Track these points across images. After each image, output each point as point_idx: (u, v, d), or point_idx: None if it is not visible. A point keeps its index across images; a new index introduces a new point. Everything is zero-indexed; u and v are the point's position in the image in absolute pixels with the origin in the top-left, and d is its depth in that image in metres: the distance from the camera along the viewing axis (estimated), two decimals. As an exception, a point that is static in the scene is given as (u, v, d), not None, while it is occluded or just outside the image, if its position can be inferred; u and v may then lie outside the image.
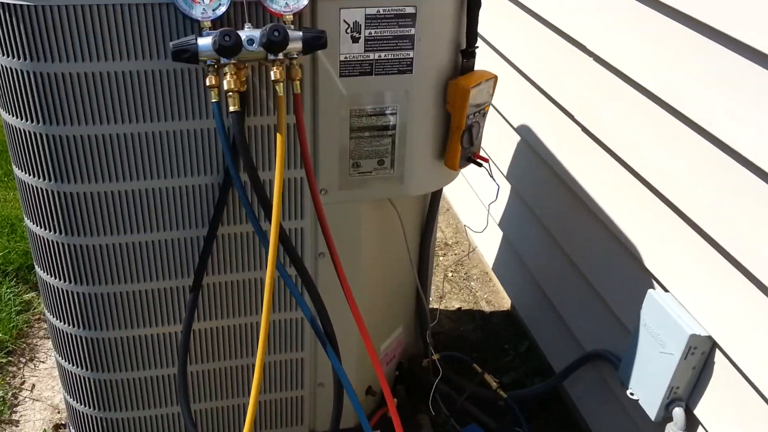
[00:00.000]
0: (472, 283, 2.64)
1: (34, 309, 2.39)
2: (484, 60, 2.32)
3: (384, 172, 1.43)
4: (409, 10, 1.28)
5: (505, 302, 2.51)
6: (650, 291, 1.56)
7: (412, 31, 1.31)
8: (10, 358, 2.20)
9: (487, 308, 2.52)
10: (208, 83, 1.20)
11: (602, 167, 1.78)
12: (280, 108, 1.23)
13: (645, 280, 1.63)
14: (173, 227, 1.39)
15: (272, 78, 1.20)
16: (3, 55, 1.22)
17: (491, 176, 1.55)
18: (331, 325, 1.35)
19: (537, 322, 2.25)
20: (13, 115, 1.28)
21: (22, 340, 2.28)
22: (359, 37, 1.29)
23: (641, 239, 1.65)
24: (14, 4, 1.16)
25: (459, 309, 2.51)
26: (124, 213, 1.36)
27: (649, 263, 1.62)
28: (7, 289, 2.41)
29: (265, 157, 1.36)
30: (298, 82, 1.23)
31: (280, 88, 1.21)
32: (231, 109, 1.20)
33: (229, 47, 1.15)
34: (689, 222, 1.48)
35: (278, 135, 1.22)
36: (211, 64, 1.19)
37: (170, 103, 1.27)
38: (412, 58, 1.33)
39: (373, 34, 1.29)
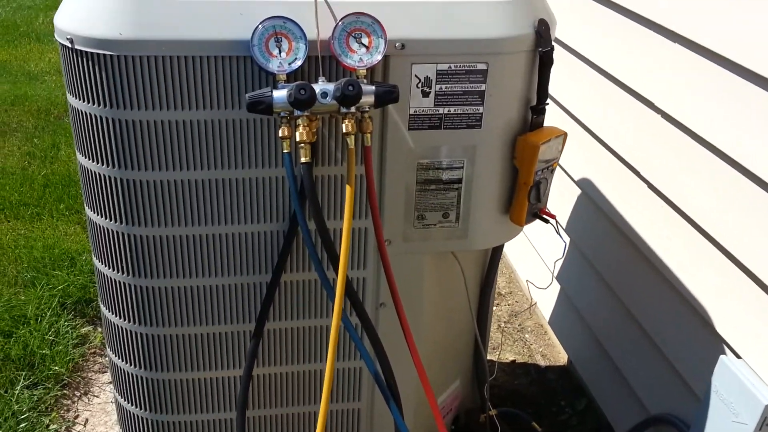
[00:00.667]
0: (527, 336, 2.59)
1: (90, 343, 2.43)
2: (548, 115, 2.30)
3: (448, 225, 1.42)
4: (481, 66, 1.29)
5: (561, 357, 2.45)
6: (722, 357, 1.50)
7: (483, 87, 1.31)
8: (65, 392, 2.24)
9: (542, 362, 2.46)
10: (280, 134, 1.21)
11: (668, 225, 1.74)
12: (351, 160, 1.23)
13: (716, 344, 1.57)
14: (238, 272, 1.40)
15: (344, 130, 1.21)
16: (84, 101, 1.26)
17: (558, 233, 1.52)
18: (393, 376, 1.34)
19: (596, 380, 2.18)
20: (89, 159, 1.31)
21: (78, 373, 2.31)
22: (429, 92, 1.30)
23: (712, 302, 1.59)
24: (99, 54, 1.20)
25: (513, 362, 2.46)
26: (191, 257, 1.37)
27: (721, 328, 1.56)
28: (65, 322, 2.46)
29: (332, 206, 1.37)
30: (369, 135, 1.24)
31: (351, 141, 1.22)
32: (302, 160, 1.21)
33: (303, 100, 1.17)
34: (766, 288, 1.42)
35: (348, 186, 1.23)
36: (285, 116, 1.21)
37: (242, 151, 1.29)
38: (481, 114, 1.33)
39: (443, 89, 1.30)
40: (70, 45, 1.23)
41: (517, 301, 2.77)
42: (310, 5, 1.22)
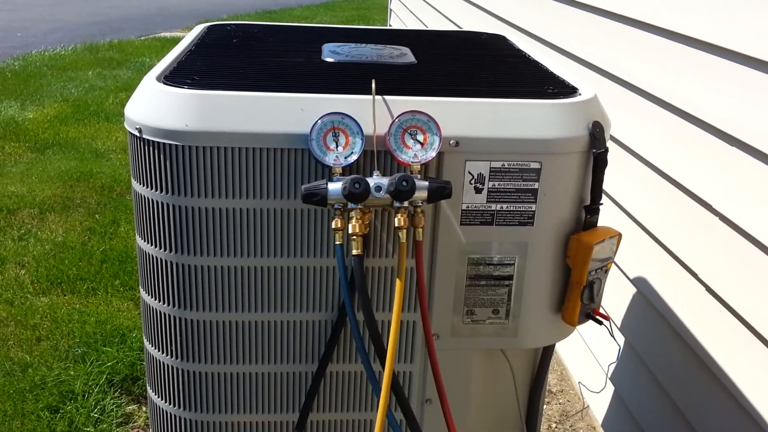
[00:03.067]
0: (578, 438, 2.48)
1: (134, 422, 2.43)
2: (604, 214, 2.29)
3: (498, 321, 1.40)
4: (534, 165, 1.29)
5: (613, 463, 2.33)
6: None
7: (536, 185, 1.31)
8: (106, 472, 2.22)
9: (593, 468, 2.34)
10: (334, 226, 1.23)
11: (731, 334, 1.67)
12: (402, 254, 1.24)
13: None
14: (284, 361, 1.40)
15: (396, 224, 1.22)
16: (148, 187, 1.31)
17: (612, 335, 1.48)
18: (435, 479, 1.29)
19: (650, 491, 2.06)
20: (148, 243, 1.35)
21: (120, 453, 2.30)
22: (482, 188, 1.31)
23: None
24: (165, 143, 1.25)
25: (563, 465, 2.35)
26: (240, 343, 1.38)
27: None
28: (111, 399, 2.47)
29: (381, 298, 1.36)
30: (420, 230, 1.25)
31: (402, 235, 1.23)
32: (354, 252, 1.22)
33: (357, 194, 1.19)
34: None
35: (398, 280, 1.23)
36: (339, 208, 1.23)
37: (295, 240, 1.31)
38: (534, 211, 1.33)
39: (496, 186, 1.31)
40: (138, 134, 1.29)
41: (568, 401, 2.68)
42: (368, 103, 1.26)
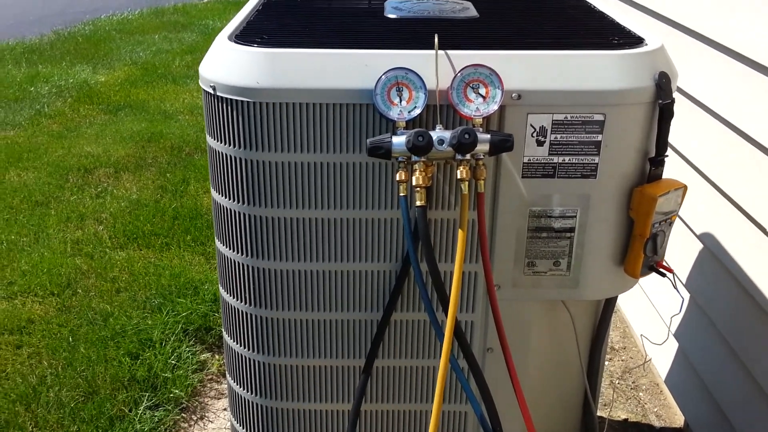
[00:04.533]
0: (641, 394, 2.49)
1: (208, 369, 2.56)
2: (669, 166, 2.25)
3: (559, 273, 1.42)
4: (598, 117, 1.30)
5: (677, 418, 2.34)
6: None
7: (599, 137, 1.32)
8: (183, 415, 2.36)
9: (656, 423, 2.35)
10: (398, 178, 1.27)
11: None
12: (464, 205, 1.27)
13: None
14: (351, 308, 1.46)
15: (458, 176, 1.25)
16: (222, 142, 1.37)
17: (675, 288, 1.49)
18: (499, 422, 1.34)
19: (712, 445, 2.07)
20: (223, 195, 1.42)
21: (196, 398, 2.44)
22: (544, 141, 1.32)
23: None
24: (238, 100, 1.31)
25: (626, 420, 2.37)
26: (309, 291, 1.45)
27: None
28: (186, 347, 2.60)
29: (443, 249, 1.41)
30: (482, 182, 1.28)
31: (464, 187, 1.26)
32: (417, 203, 1.26)
33: (421, 147, 1.22)
34: None
35: (460, 231, 1.26)
36: (403, 161, 1.27)
37: (360, 192, 1.36)
38: (596, 164, 1.33)
39: (558, 139, 1.32)
40: (212, 92, 1.35)
41: (631, 357, 2.68)
42: (431, 58, 1.28)
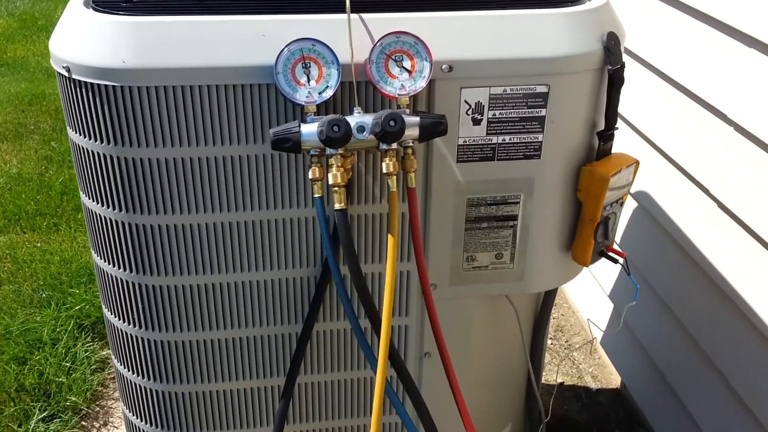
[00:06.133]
0: (575, 354, 2.41)
1: (110, 368, 2.29)
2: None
3: (502, 266, 1.24)
4: (541, 89, 1.10)
5: (613, 378, 2.27)
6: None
7: (543, 112, 1.12)
8: (83, 423, 2.11)
9: (593, 384, 2.28)
10: (311, 176, 1.04)
11: (735, 243, 1.54)
12: (393, 205, 1.06)
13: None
14: (264, 323, 1.24)
15: (384, 170, 1.04)
16: (86, 137, 1.10)
17: (629, 274, 1.34)
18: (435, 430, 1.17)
19: (653, 407, 2.00)
20: (93, 201, 1.16)
21: (97, 402, 2.18)
22: (481, 119, 1.12)
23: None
24: (100, 84, 1.04)
25: (561, 384, 2.28)
26: (212, 308, 1.21)
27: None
28: (82, 345, 2.32)
29: (368, 248, 1.20)
30: (413, 175, 1.07)
31: (392, 183, 1.05)
32: (336, 206, 1.04)
33: (336, 139, 0.99)
34: None
35: (389, 236, 1.06)
36: (315, 154, 1.04)
37: (266, 190, 1.13)
38: (540, 142, 1.15)
39: (497, 116, 1.12)
40: (67, 74, 1.07)
41: (563, 315, 2.59)
42: (342, 24, 1.05)
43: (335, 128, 0.99)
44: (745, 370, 1.57)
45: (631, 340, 2.09)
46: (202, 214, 1.13)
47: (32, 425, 2.04)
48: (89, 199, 1.17)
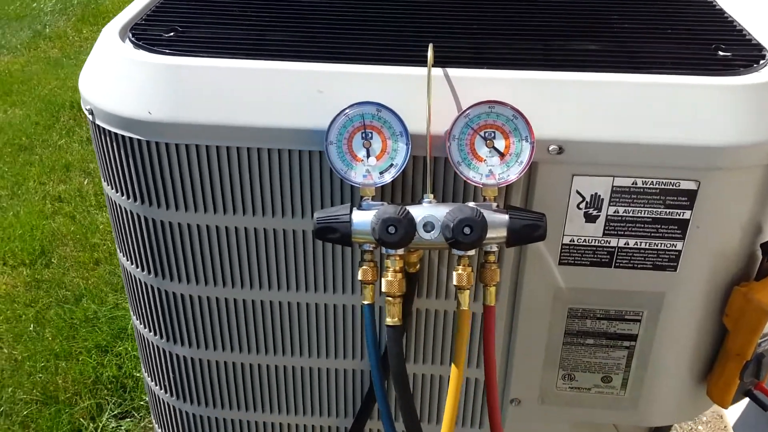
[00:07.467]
0: (700, 427, 2.06)
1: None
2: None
3: (609, 391, 0.97)
4: (687, 185, 0.80)
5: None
6: None
7: (687, 214, 0.82)
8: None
9: (715, 471, 1.93)
10: (361, 277, 0.81)
11: None
12: (462, 326, 0.81)
13: None
14: (308, 413, 1.04)
15: (454, 282, 0.79)
16: (116, 191, 0.93)
17: (766, 409, 1.02)
18: None
19: None
20: (127, 259, 0.99)
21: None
22: (598, 216, 0.84)
23: None
24: (124, 136, 0.85)
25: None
26: (248, 388, 1.03)
27: None
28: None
29: (430, 347, 0.96)
30: (493, 290, 0.81)
31: (464, 299, 0.80)
32: (388, 321, 0.80)
33: (394, 242, 0.75)
34: None
35: (453, 367, 0.81)
36: (369, 250, 0.80)
37: (310, 269, 0.91)
38: (679, 251, 0.85)
39: (620, 214, 0.83)
40: (91, 118, 0.89)
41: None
42: (418, 81, 0.79)
43: (391, 229, 0.74)
44: None
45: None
46: (230, 288, 0.94)
47: (104, 421, 1.98)
48: (124, 257, 1.00)
